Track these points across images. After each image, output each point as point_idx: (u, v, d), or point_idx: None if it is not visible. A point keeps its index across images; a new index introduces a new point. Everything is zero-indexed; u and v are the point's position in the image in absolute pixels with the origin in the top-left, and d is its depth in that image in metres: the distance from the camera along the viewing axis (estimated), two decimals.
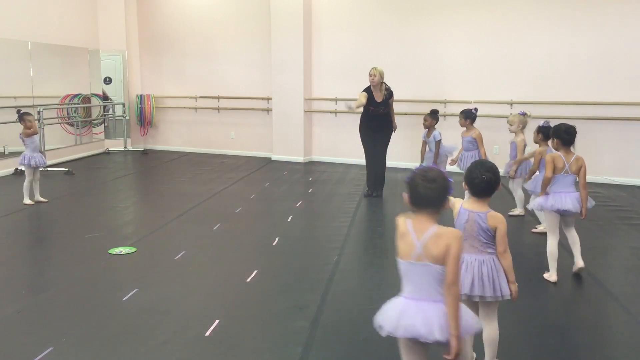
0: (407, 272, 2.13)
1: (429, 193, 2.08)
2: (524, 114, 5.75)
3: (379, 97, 6.64)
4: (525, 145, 5.67)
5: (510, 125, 5.74)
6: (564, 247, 4.55)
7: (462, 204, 2.67)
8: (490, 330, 2.67)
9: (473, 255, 2.62)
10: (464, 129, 6.22)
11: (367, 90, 6.66)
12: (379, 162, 6.86)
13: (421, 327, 2.01)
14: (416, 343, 2.08)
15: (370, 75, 6.58)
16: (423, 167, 2.17)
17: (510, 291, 2.59)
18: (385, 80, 6.70)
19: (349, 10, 9.26)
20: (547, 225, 4.23)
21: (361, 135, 6.94)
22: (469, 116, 6.18)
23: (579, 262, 4.16)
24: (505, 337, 2.89)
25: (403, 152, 8.75)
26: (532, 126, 7.17)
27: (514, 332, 2.87)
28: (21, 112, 6.45)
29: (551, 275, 4.13)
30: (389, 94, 6.71)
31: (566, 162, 4.04)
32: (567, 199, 4.03)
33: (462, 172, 6.44)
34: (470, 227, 2.61)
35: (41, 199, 6.47)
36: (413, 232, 2.10)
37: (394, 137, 6.99)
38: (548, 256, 4.13)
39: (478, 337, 2.68)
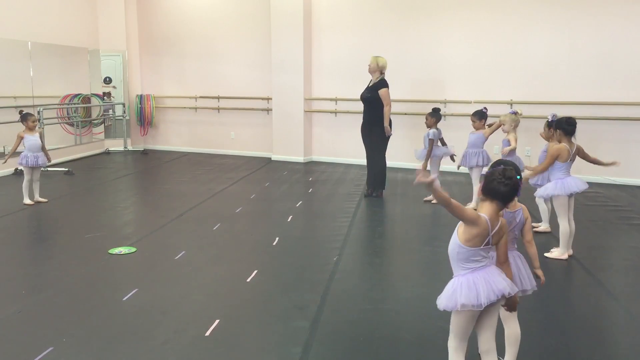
0: (475, 254, 2.35)
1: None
2: (515, 113, 5.77)
3: (370, 84, 6.73)
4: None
5: (503, 125, 5.75)
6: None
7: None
8: (515, 328, 2.73)
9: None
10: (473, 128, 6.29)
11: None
12: (377, 163, 6.86)
13: (503, 285, 2.33)
14: (477, 312, 2.37)
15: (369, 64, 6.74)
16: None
17: (538, 275, 2.77)
18: (385, 76, 6.73)
19: (349, 10, 9.26)
20: (558, 209, 4.55)
21: (361, 134, 6.96)
22: (483, 116, 6.26)
23: (570, 250, 4.64)
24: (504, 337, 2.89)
25: (403, 152, 8.75)
26: (526, 125, 7.22)
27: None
28: (24, 112, 6.46)
29: (562, 254, 4.54)
30: (378, 82, 6.66)
31: (570, 150, 4.48)
32: (577, 181, 4.48)
33: (465, 170, 6.49)
34: (511, 226, 2.72)
35: (40, 199, 6.47)
36: (490, 228, 2.35)
37: (393, 136, 6.97)
38: (561, 236, 4.52)
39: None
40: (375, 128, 6.72)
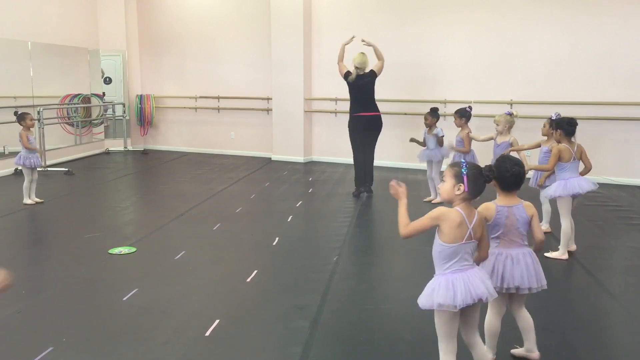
0: (457, 252, 2.38)
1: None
2: (510, 114, 5.72)
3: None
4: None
5: (497, 125, 5.70)
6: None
7: (495, 203, 2.74)
8: (526, 319, 2.83)
9: (515, 249, 2.74)
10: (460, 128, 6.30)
11: (348, 72, 6.87)
12: (368, 158, 6.89)
13: (482, 290, 2.36)
14: (460, 312, 2.38)
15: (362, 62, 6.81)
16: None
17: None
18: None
19: (349, 10, 9.25)
20: (561, 209, 4.55)
21: (350, 133, 6.93)
22: (463, 115, 6.24)
23: (573, 246, 4.72)
24: (505, 337, 2.89)
25: (403, 152, 8.75)
26: (526, 125, 7.22)
27: (514, 332, 2.88)
28: (19, 112, 6.44)
29: (563, 254, 4.56)
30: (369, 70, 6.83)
31: (572, 150, 4.49)
32: (581, 182, 4.49)
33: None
34: (510, 222, 2.73)
35: (37, 199, 6.44)
36: (467, 219, 2.39)
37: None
38: (563, 236, 4.54)
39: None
40: (374, 126, 6.79)
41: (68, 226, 5.68)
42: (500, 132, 5.69)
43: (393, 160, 9.01)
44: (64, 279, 4.09)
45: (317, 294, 3.80)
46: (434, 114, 6.57)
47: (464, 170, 2.41)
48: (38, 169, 6.50)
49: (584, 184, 4.47)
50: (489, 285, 2.42)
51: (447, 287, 2.34)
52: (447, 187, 2.45)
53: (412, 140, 6.77)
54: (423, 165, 7.19)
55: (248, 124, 10.44)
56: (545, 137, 5.18)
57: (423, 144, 6.66)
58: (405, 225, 2.42)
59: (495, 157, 5.62)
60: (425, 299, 2.40)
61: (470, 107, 6.34)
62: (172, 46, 10.84)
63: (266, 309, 3.59)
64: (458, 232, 2.37)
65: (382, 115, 6.93)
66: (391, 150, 8.95)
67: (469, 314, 2.46)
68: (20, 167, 6.59)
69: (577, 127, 4.52)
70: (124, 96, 11.08)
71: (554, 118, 4.94)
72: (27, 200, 6.34)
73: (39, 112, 8.58)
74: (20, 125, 6.36)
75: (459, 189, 2.41)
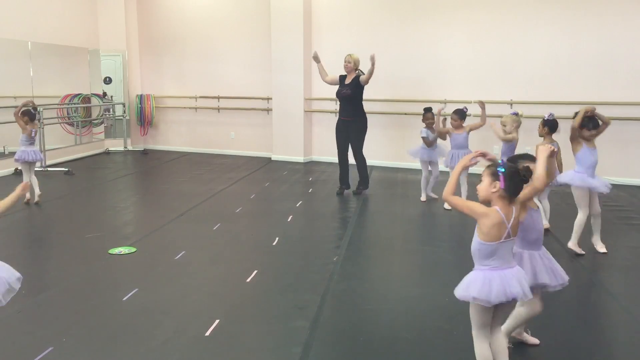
0: (495, 250, 2.43)
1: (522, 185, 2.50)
2: (516, 114, 5.77)
3: (348, 80, 6.90)
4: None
5: (504, 126, 5.73)
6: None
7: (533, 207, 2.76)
8: (537, 306, 2.84)
9: (539, 250, 2.80)
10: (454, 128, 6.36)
11: (342, 76, 7.00)
12: (358, 157, 7.00)
13: (517, 290, 2.42)
14: (494, 306, 2.46)
15: (345, 62, 6.88)
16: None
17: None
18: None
19: (349, 10, 9.25)
20: (576, 200, 4.65)
21: (336, 131, 7.13)
22: (463, 116, 6.30)
23: (603, 247, 4.73)
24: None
25: (404, 152, 8.74)
26: (526, 125, 7.22)
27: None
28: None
29: (573, 244, 4.68)
30: (356, 77, 6.85)
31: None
32: (573, 176, 4.55)
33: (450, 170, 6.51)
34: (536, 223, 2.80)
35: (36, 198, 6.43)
36: (505, 219, 2.42)
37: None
38: (574, 225, 4.65)
39: None
40: (353, 123, 6.91)
41: (68, 226, 5.69)
42: (509, 132, 5.75)
43: (394, 160, 9.00)
44: (64, 279, 4.09)
45: (317, 294, 3.80)
46: (432, 112, 6.67)
47: (500, 169, 2.44)
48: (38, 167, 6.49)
49: (575, 178, 4.54)
50: (525, 286, 2.46)
51: (483, 282, 2.41)
52: (484, 185, 2.49)
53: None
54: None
55: (248, 124, 10.44)
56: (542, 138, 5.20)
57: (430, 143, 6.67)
58: (451, 193, 2.50)
59: (503, 155, 5.67)
60: (462, 291, 2.47)
61: (466, 108, 6.41)
62: (172, 46, 10.84)
63: (266, 309, 3.59)
64: (496, 231, 2.41)
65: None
66: (392, 150, 8.96)
67: (499, 310, 2.53)
68: (20, 166, 6.56)
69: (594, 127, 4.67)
70: (124, 96, 11.08)
71: (546, 118, 5.00)
72: (37, 190, 6.34)
73: (39, 112, 8.57)
74: (29, 119, 6.36)
75: (494, 187, 2.44)
